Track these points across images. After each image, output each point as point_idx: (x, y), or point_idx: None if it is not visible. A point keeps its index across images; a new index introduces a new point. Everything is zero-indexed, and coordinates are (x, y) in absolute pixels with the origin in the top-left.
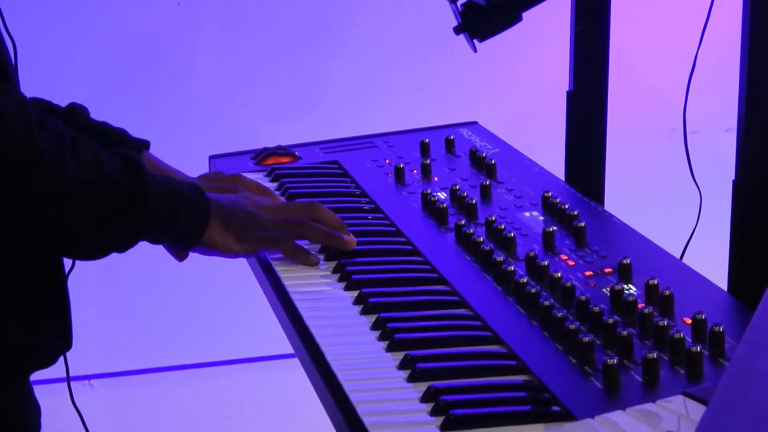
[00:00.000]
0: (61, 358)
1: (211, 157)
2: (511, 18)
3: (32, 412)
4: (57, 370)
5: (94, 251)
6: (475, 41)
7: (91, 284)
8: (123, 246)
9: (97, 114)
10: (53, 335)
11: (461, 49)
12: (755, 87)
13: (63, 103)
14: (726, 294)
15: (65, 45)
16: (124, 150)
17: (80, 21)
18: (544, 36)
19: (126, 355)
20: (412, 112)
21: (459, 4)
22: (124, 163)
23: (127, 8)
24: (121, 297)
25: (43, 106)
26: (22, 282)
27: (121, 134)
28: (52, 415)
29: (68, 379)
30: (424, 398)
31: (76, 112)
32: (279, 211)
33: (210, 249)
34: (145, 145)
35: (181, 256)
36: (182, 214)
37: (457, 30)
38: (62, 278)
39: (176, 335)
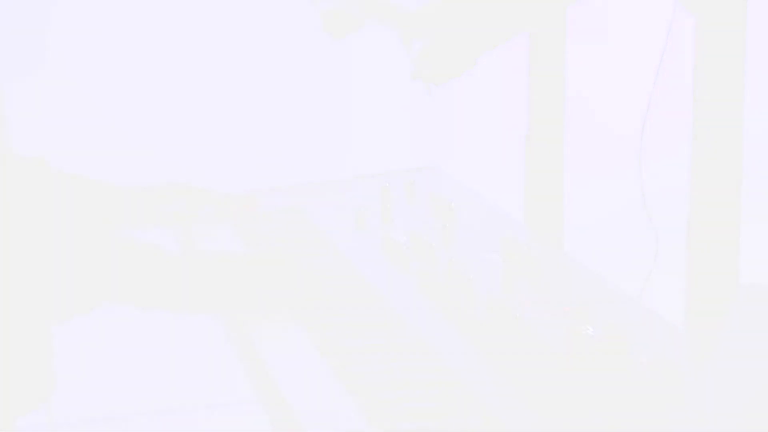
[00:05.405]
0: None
1: None
2: (466, 63)
3: None
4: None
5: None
6: (431, 86)
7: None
8: (86, 309)
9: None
10: (37, 384)
11: (420, 94)
12: (706, 135)
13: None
14: (682, 334)
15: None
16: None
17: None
18: (502, 80)
19: (87, 400)
20: (372, 157)
21: (414, 50)
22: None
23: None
24: (80, 344)
25: None
26: (9, 333)
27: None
28: None
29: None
30: None
31: (39, 162)
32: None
33: (174, 307)
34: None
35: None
36: (140, 277)
37: (413, 75)
38: (48, 328)
39: (142, 380)
